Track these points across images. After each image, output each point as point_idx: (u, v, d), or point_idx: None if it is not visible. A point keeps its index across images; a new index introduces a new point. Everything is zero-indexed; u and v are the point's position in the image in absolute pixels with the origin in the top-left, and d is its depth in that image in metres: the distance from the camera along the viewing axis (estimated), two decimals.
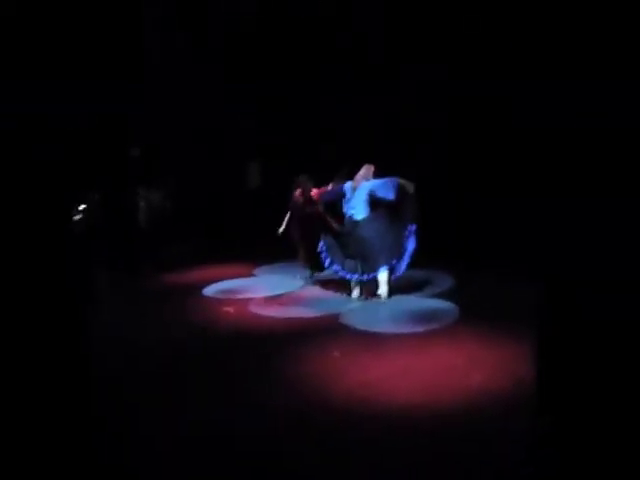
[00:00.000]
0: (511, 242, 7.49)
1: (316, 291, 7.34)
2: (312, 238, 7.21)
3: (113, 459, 3.20)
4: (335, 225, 6.86)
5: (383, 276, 6.45)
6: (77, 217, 10.33)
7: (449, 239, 7.90)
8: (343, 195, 6.72)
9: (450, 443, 3.34)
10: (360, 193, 6.54)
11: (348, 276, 6.67)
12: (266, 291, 7.49)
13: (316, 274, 7.64)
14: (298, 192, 7.73)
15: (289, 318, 6.18)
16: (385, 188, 6.42)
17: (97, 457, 2.79)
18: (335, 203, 6.91)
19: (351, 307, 6.45)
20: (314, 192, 7.54)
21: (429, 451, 3.28)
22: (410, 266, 6.53)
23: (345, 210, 6.72)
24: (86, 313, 2.36)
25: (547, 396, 2.34)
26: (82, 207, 10.45)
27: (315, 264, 7.44)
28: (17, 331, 2.03)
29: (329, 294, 7.11)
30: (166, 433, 3.67)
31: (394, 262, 6.41)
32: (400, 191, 6.37)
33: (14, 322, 2.02)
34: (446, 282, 7.18)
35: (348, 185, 6.67)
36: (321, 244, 6.79)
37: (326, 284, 7.45)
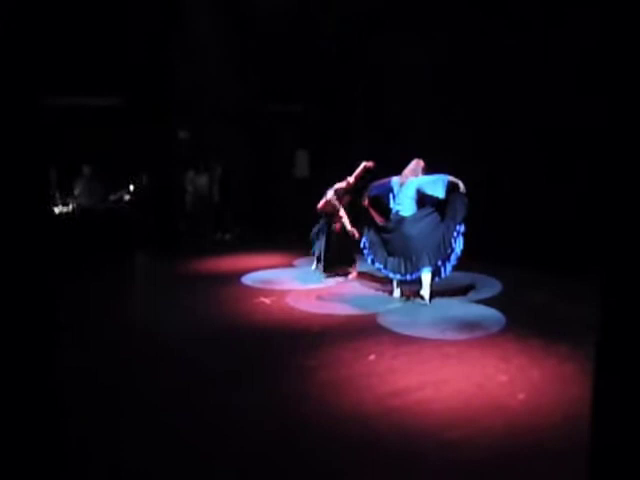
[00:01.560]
0: (566, 249, 7.07)
1: (356, 287, 7.09)
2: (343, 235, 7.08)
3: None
4: (379, 220, 6.55)
5: (426, 277, 6.13)
6: (126, 197, 10.41)
7: (499, 242, 7.51)
8: (390, 190, 6.43)
9: (482, 470, 3.05)
10: (407, 189, 6.23)
11: (390, 275, 6.39)
12: (305, 284, 7.31)
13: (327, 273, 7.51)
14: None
15: (325, 314, 5.96)
16: (434, 185, 6.08)
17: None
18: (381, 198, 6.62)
19: (391, 307, 6.17)
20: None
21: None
22: (456, 269, 6.19)
23: (392, 206, 6.43)
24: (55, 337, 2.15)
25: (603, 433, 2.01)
26: (131, 188, 10.52)
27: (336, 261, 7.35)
28: None
29: (369, 292, 6.85)
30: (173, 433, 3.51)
31: (439, 263, 6.08)
32: (450, 189, 6.03)
33: None
34: (494, 288, 6.80)
35: (395, 180, 6.38)
36: (363, 240, 6.53)
37: (367, 281, 7.19)
